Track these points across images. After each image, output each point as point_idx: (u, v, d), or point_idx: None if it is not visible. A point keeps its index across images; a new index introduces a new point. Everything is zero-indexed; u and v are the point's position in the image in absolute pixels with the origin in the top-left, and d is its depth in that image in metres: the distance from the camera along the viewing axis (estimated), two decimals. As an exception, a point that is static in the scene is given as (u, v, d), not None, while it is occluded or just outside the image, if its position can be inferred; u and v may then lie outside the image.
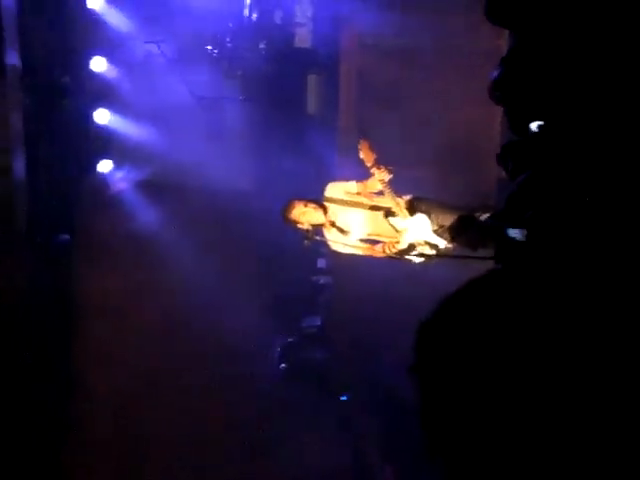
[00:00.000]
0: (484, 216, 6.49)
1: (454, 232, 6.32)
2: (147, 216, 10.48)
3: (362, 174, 6.35)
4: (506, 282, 2.70)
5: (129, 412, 9.94)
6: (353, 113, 9.43)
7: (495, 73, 5.09)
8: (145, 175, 10.68)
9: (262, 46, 10.23)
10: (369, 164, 6.09)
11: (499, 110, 6.57)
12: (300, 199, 6.33)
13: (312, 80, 10.19)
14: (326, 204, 6.36)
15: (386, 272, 7.16)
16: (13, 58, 9.28)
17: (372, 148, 6.06)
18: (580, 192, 4.76)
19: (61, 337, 10.19)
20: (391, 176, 6.15)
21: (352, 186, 6.39)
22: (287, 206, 6.32)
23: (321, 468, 9.37)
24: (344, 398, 9.77)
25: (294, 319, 10.19)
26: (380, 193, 6.31)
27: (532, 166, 5.15)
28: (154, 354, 10.15)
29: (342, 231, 6.32)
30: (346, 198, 6.37)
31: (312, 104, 10.27)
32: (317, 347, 10.05)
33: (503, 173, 5.85)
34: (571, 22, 4.69)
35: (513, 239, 5.30)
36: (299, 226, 6.27)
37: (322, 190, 6.47)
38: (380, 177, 6.11)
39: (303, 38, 10.08)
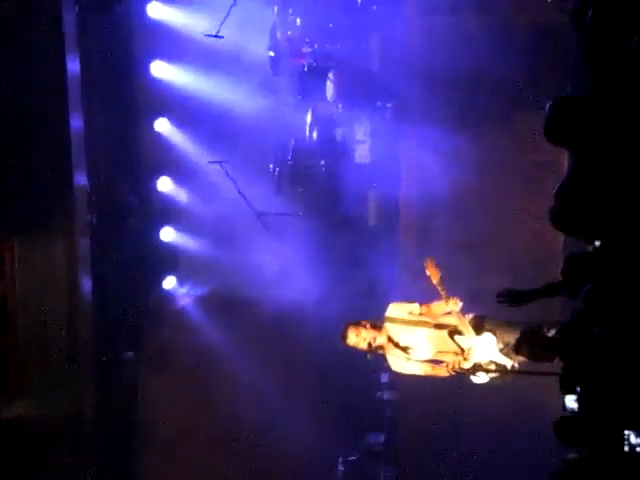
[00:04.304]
0: (551, 331, 6.36)
1: (521, 343, 6.19)
2: (210, 330, 10.55)
3: (423, 289, 6.28)
4: None
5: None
6: (414, 226, 9.46)
7: (554, 200, 5.07)
8: (208, 290, 10.80)
9: (323, 162, 10.40)
10: (435, 281, 6.05)
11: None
12: (355, 323, 6.23)
13: (372, 195, 10.29)
14: (383, 324, 6.27)
15: (452, 386, 7.00)
16: (81, 179, 9.55)
17: (438, 266, 6.02)
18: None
19: (128, 456, 10.22)
20: (461, 305, 6.09)
21: (415, 307, 6.31)
22: (344, 331, 6.23)
23: None
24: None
25: (358, 435, 10.00)
26: (446, 314, 6.25)
27: (596, 278, 5.04)
28: (215, 469, 10.04)
29: (404, 350, 6.22)
30: (409, 318, 6.28)
31: (372, 218, 10.34)
32: (382, 465, 9.83)
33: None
34: (630, 147, 4.66)
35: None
36: (359, 348, 6.20)
37: (383, 306, 6.41)
38: (452, 308, 6.07)
39: (363, 154, 10.23)
